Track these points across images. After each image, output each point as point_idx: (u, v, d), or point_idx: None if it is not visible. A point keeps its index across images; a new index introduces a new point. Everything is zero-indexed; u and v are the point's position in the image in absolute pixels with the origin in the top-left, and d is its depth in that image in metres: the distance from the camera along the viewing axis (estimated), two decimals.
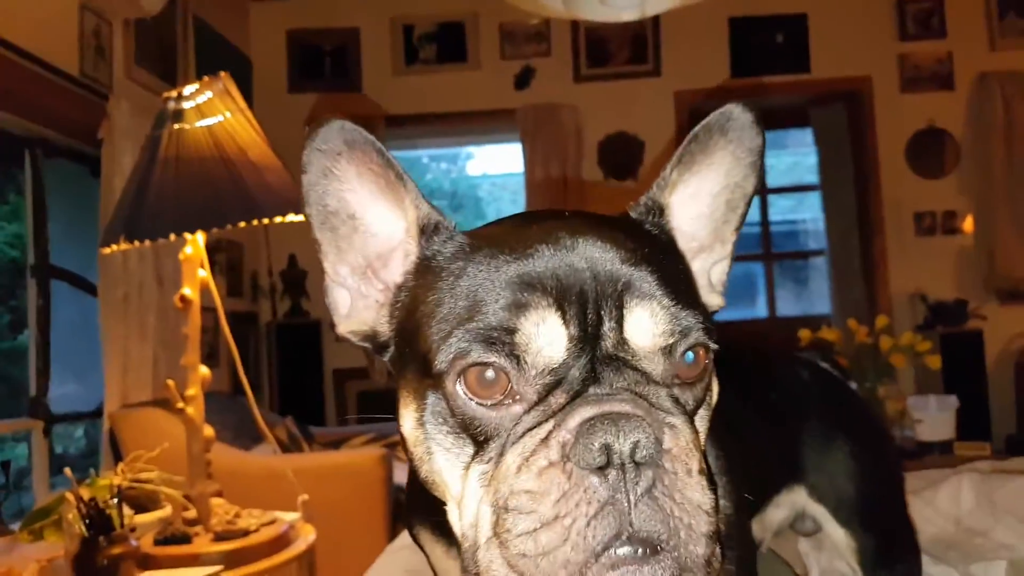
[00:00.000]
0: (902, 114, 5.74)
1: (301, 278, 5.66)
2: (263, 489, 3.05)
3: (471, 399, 0.62)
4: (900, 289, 5.69)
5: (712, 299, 0.79)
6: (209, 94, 2.43)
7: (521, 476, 0.58)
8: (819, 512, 1.09)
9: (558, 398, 0.61)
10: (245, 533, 2.34)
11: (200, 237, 2.42)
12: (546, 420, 0.59)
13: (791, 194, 7.45)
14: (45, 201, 3.81)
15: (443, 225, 0.73)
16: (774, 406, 1.08)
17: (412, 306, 0.70)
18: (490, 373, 0.62)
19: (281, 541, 2.36)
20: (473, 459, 0.62)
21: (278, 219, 2.31)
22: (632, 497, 0.55)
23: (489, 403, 0.62)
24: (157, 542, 2.36)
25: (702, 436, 0.66)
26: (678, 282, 0.66)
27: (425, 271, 0.71)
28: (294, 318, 5.63)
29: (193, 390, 2.40)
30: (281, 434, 3.82)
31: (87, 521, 2.19)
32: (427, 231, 0.73)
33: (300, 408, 4.75)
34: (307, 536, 2.47)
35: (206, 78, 2.47)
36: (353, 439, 4.11)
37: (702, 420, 0.67)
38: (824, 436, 1.09)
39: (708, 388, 0.67)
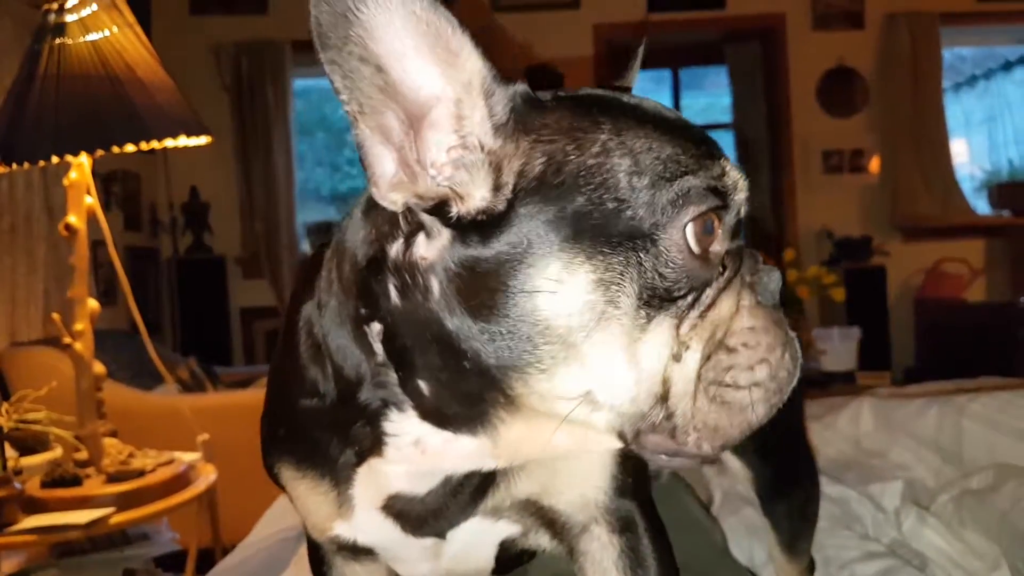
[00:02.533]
0: (813, 52, 5.82)
1: (203, 211, 5.43)
2: (162, 429, 2.94)
3: (693, 249, 0.62)
4: (807, 225, 5.84)
5: None
6: (94, 7, 2.24)
7: (741, 316, 0.63)
8: None
9: (735, 243, 0.66)
10: (140, 474, 2.24)
11: (86, 161, 2.26)
12: (738, 267, 0.65)
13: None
14: None
15: (519, 85, 0.66)
16: None
17: (555, 165, 0.63)
18: (710, 222, 0.63)
19: (179, 481, 2.28)
20: (659, 314, 0.62)
21: (169, 142, 2.17)
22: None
23: (707, 251, 0.63)
24: (44, 484, 2.24)
25: None
26: None
27: (545, 129, 0.64)
28: (197, 254, 5.41)
29: (81, 324, 2.26)
30: (184, 374, 3.69)
31: None
32: (496, 89, 0.64)
33: (205, 348, 4.60)
34: (208, 476, 2.39)
35: None
36: (260, 379, 4.01)
37: None
38: None
39: None
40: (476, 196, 0.63)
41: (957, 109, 6.82)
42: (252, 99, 5.38)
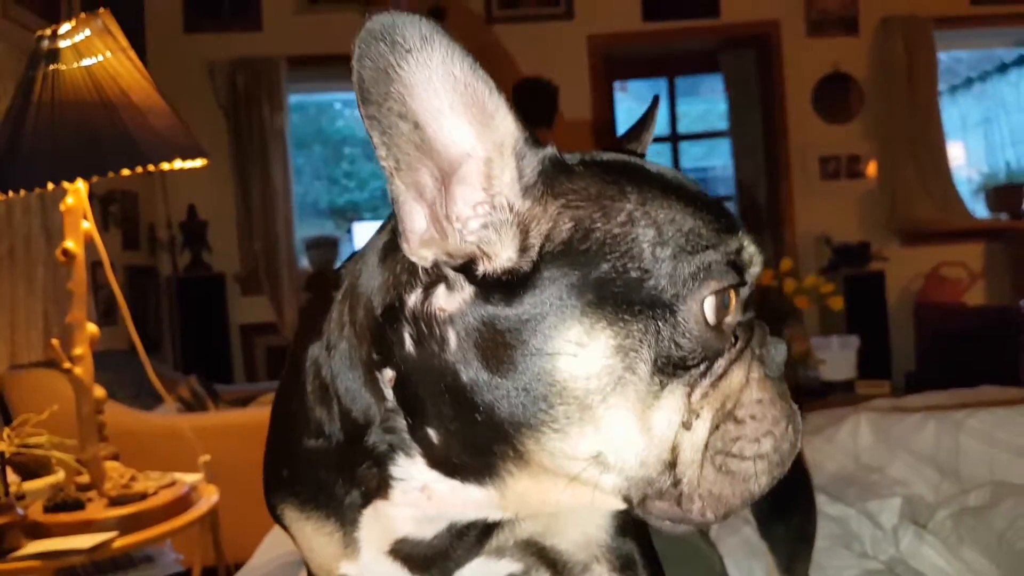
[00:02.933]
0: (808, 59, 5.83)
1: (201, 230, 5.43)
2: (164, 450, 2.94)
3: (709, 321, 0.64)
4: (806, 232, 5.84)
5: None
6: (87, 32, 2.25)
7: (751, 388, 0.65)
8: None
9: (748, 315, 0.68)
10: (142, 496, 2.24)
11: (82, 186, 2.27)
12: (750, 339, 0.67)
13: (702, 141, 7.53)
14: None
15: (551, 148, 0.68)
16: None
17: (582, 231, 0.64)
18: (727, 296, 0.65)
19: (181, 503, 2.28)
20: (672, 382, 0.63)
21: (165, 166, 2.18)
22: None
23: (722, 323, 0.65)
24: (47, 509, 2.24)
25: None
26: None
27: (573, 194, 0.66)
28: (196, 272, 5.41)
29: (80, 349, 2.26)
30: (185, 393, 3.69)
31: None
32: (528, 152, 0.66)
33: (206, 365, 4.60)
34: (210, 497, 2.39)
35: (83, 15, 2.29)
36: (262, 397, 4.01)
37: None
38: None
39: None
40: (503, 256, 0.65)
41: (953, 112, 6.83)
42: (248, 116, 5.39)
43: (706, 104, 7.71)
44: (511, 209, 0.65)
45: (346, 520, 0.76)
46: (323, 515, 0.77)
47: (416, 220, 0.66)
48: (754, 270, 0.68)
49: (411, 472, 0.71)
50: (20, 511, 2.14)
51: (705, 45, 6.14)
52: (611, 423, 0.62)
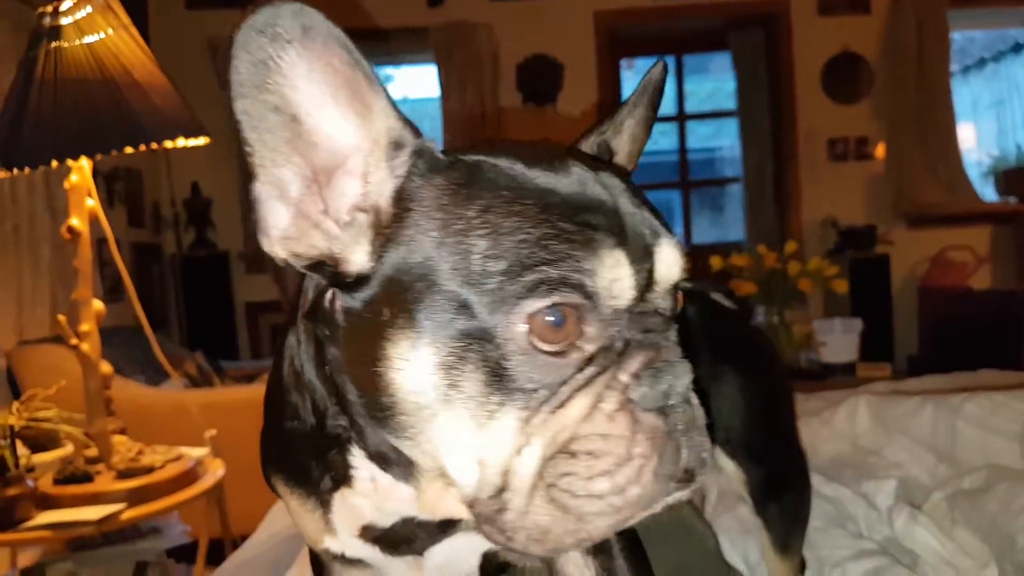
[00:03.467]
0: (818, 38, 5.78)
1: (206, 207, 5.44)
2: (170, 424, 2.97)
3: (537, 344, 0.59)
4: (812, 215, 5.82)
5: None
6: (88, 9, 2.25)
7: (593, 420, 0.58)
8: None
9: (618, 343, 0.61)
10: (149, 470, 2.28)
11: (86, 164, 2.28)
12: (609, 365, 0.60)
13: (710, 121, 7.49)
14: None
15: (426, 145, 0.65)
16: None
17: (419, 240, 0.62)
18: (560, 318, 0.59)
19: (187, 477, 2.31)
20: (504, 406, 0.59)
21: (167, 144, 2.18)
22: (687, 436, 0.60)
23: (555, 349, 0.59)
24: (57, 482, 2.28)
25: None
26: None
27: (424, 199, 0.63)
28: (200, 249, 5.43)
29: (87, 325, 2.29)
30: (191, 369, 3.72)
31: None
32: (401, 150, 0.65)
33: (211, 342, 4.63)
34: (216, 471, 2.42)
35: None
36: (267, 374, 4.03)
37: None
38: (708, 370, 1.08)
39: None
40: (354, 260, 0.64)
41: (965, 93, 6.76)
42: None
43: (714, 83, 7.65)
44: (376, 210, 0.64)
45: (322, 502, 0.78)
46: (304, 493, 0.79)
47: (278, 217, 0.64)
48: (617, 291, 0.60)
49: (361, 462, 0.72)
50: (30, 483, 2.17)
51: (714, 23, 6.09)
52: (445, 439, 0.61)
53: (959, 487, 1.44)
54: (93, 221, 2.31)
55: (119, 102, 2.16)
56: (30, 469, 2.29)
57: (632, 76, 6.72)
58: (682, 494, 0.61)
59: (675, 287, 0.66)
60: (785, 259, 3.38)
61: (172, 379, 3.27)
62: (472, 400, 0.59)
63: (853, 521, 1.45)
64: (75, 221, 2.27)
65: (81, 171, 2.28)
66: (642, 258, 0.62)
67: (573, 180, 0.63)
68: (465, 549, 0.80)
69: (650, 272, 0.62)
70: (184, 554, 2.62)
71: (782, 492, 1.15)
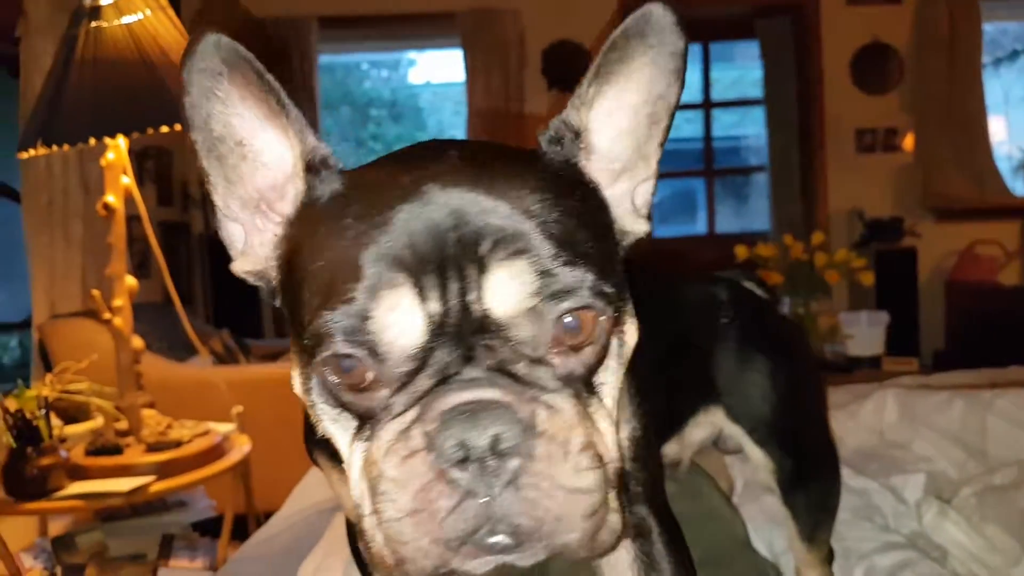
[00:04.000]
0: (847, 27, 5.71)
1: None
2: (197, 400, 3.02)
3: (338, 383, 0.59)
4: (838, 206, 5.78)
5: (637, 225, 0.71)
6: None
7: (387, 462, 0.56)
8: (736, 432, 1.10)
9: (423, 383, 0.57)
10: (177, 444, 2.32)
11: (122, 142, 2.31)
12: (412, 405, 0.57)
13: (735, 109, 7.43)
14: None
15: (328, 163, 0.67)
16: (689, 327, 1.06)
17: (293, 259, 0.65)
18: (349, 362, 0.58)
19: (214, 452, 2.35)
20: (356, 433, 0.61)
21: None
22: (494, 490, 0.53)
23: (356, 388, 0.59)
24: (88, 453, 2.33)
25: (607, 396, 0.61)
26: (565, 233, 0.58)
27: (306, 218, 0.66)
28: None
29: (120, 300, 2.33)
30: (217, 346, 3.77)
31: (14, 432, 2.15)
32: (313, 168, 0.66)
33: (237, 321, 4.67)
34: (242, 447, 2.46)
35: None
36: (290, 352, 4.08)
37: (608, 380, 0.61)
38: (741, 356, 1.08)
39: (605, 349, 0.60)
40: (272, 277, 0.70)
41: (996, 85, 6.66)
42: (279, 75, 5.37)
43: (739, 71, 7.59)
44: (282, 231, 0.68)
45: None
46: (341, 470, 0.81)
47: (234, 237, 0.70)
48: (400, 334, 0.57)
49: None
50: (63, 453, 2.22)
51: (741, 10, 6.03)
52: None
53: (989, 483, 1.44)
54: (127, 199, 2.35)
55: (156, 82, 2.19)
56: (62, 440, 2.34)
57: None
58: (515, 557, 0.55)
59: (538, 315, 0.57)
60: (812, 250, 3.36)
61: (199, 356, 3.31)
62: (334, 422, 0.62)
63: (880, 514, 1.46)
64: (110, 198, 2.30)
65: (117, 149, 2.31)
66: (449, 293, 0.56)
67: (412, 206, 0.58)
68: None
69: (464, 305, 0.56)
70: (209, 528, 2.66)
71: (810, 481, 1.15)
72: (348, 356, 0.58)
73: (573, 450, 0.54)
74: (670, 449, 1.08)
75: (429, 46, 6.69)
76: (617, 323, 0.61)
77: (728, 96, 7.23)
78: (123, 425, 2.41)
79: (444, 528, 0.54)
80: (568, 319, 0.57)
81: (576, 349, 0.58)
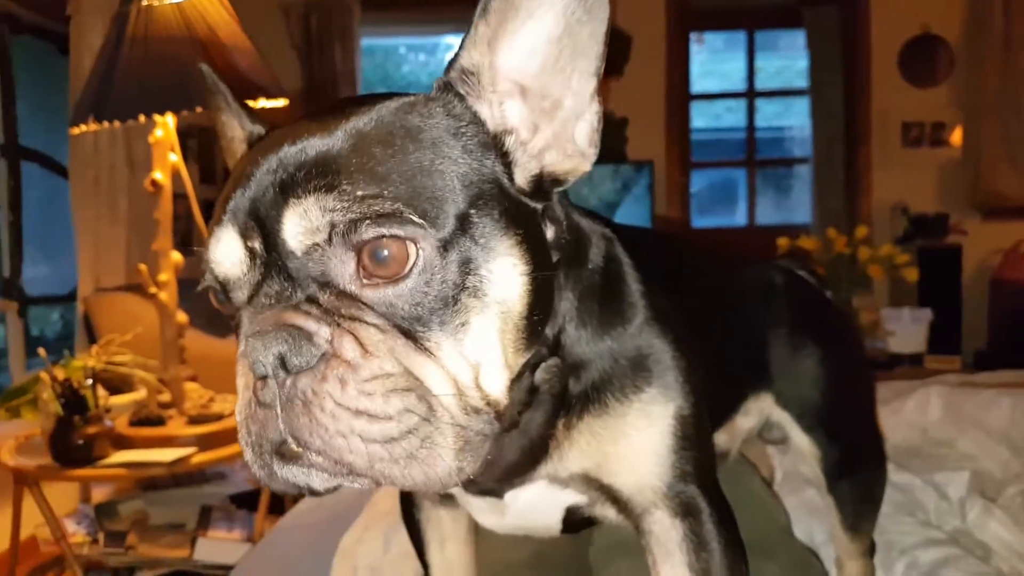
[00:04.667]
0: (897, 18, 5.59)
1: None
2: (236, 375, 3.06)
3: (222, 311, 0.68)
4: (882, 200, 5.68)
5: (575, 163, 0.68)
6: None
7: (237, 375, 0.62)
8: (784, 419, 1.09)
9: (248, 310, 0.63)
10: (219, 417, 2.36)
11: (171, 120, 2.34)
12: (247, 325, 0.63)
13: (778, 99, 7.33)
14: (13, 79, 3.66)
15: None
16: (744, 311, 1.06)
17: None
18: (216, 293, 0.67)
19: None
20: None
21: (249, 104, 2.23)
22: (277, 404, 0.57)
23: (230, 316, 0.67)
24: (132, 423, 2.38)
25: (466, 336, 0.61)
26: (377, 170, 0.59)
27: None
28: None
29: (165, 275, 2.37)
30: None
31: (62, 401, 2.20)
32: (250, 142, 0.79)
33: None
34: None
35: None
36: None
37: (468, 320, 0.60)
38: (793, 342, 1.07)
39: (447, 285, 0.60)
40: None
41: None
42: (320, 58, 5.42)
43: (783, 60, 7.47)
44: None
45: None
46: None
47: None
48: (220, 264, 0.64)
49: None
50: (108, 423, 2.27)
51: (786, 0, 5.94)
52: None
53: None
54: (173, 176, 2.38)
55: (203, 60, 2.22)
56: (107, 410, 2.40)
57: (701, 51, 6.61)
58: (301, 469, 0.59)
59: (323, 249, 0.59)
60: (855, 244, 3.31)
61: None
62: None
63: (923, 510, 1.44)
64: (158, 175, 2.34)
65: (166, 127, 2.34)
66: (252, 230, 0.61)
67: (261, 157, 0.63)
68: (547, 501, 0.81)
69: (268, 241, 0.61)
70: (245, 501, 2.71)
71: (856, 471, 1.14)
72: (210, 287, 0.66)
73: (365, 375, 0.56)
74: (720, 439, 1.08)
75: (466, 30, 6.68)
76: (464, 261, 0.60)
77: (770, 86, 7.13)
78: (166, 397, 2.46)
79: (252, 434, 0.59)
80: (377, 250, 0.58)
81: (392, 281, 0.59)
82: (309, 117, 0.66)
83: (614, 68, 5.47)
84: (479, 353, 0.61)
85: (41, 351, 2.31)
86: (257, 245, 0.61)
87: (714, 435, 1.04)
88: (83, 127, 2.27)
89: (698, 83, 6.19)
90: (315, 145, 0.61)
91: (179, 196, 2.53)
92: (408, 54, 8.24)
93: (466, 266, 0.60)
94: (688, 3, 5.67)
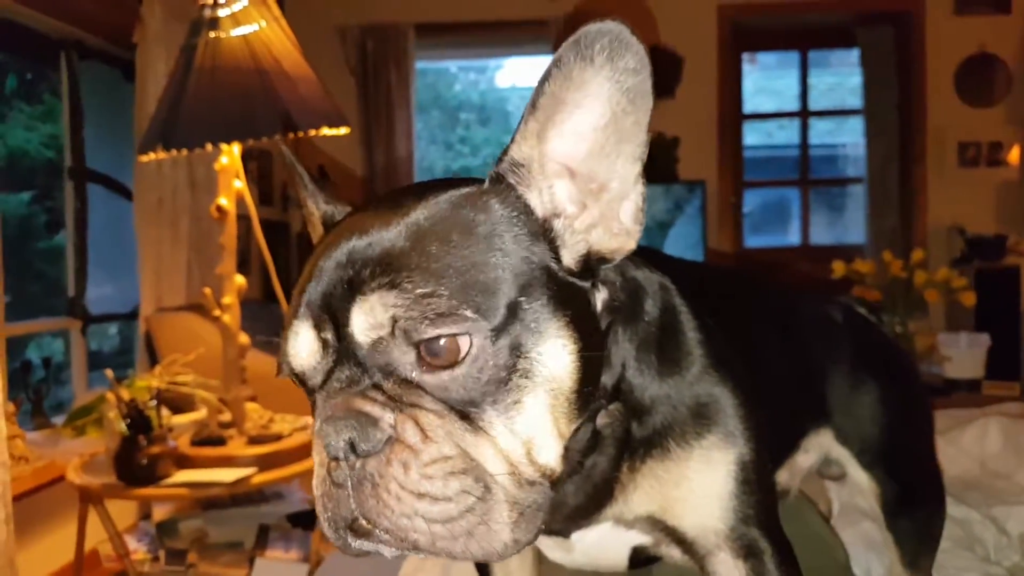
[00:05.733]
0: (953, 37, 5.52)
1: (330, 191, 5.64)
2: (296, 395, 3.13)
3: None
4: (937, 221, 5.58)
5: (620, 242, 0.71)
6: (244, 2, 2.38)
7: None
8: (843, 455, 1.10)
9: (321, 396, 0.66)
10: (278, 437, 2.41)
11: (236, 148, 2.42)
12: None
13: (831, 117, 7.25)
14: (81, 103, 3.81)
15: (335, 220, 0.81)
16: (805, 348, 1.07)
17: None
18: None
19: (312, 446, 2.44)
20: None
21: (312, 133, 2.30)
22: (348, 485, 0.62)
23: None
24: (194, 443, 2.44)
25: (518, 414, 0.64)
26: (434, 267, 0.63)
27: None
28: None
29: (229, 298, 2.44)
30: None
31: (127, 421, 2.27)
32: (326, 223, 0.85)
33: None
34: None
35: None
36: None
37: (520, 399, 0.64)
38: (854, 379, 1.08)
39: (499, 369, 0.63)
40: None
41: None
42: (376, 81, 5.54)
43: (835, 77, 7.40)
44: None
45: None
46: None
47: None
48: (295, 356, 0.68)
49: None
50: (172, 443, 2.34)
51: (842, 18, 5.89)
52: None
53: None
54: (236, 201, 2.46)
55: (270, 91, 2.29)
56: (169, 429, 2.47)
57: (753, 70, 6.58)
58: (370, 543, 0.63)
59: (386, 343, 0.63)
60: (911, 267, 3.26)
61: None
62: None
63: (981, 544, 1.42)
64: (223, 200, 2.42)
65: (231, 154, 2.42)
66: (325, 322, 0.66)
67: (331, 250, 0.68)
68: (613, 540, 0.84)
69: (339, 332, 0.65)
70: (302, 520, 2.76)
71: (915, 508, 1.14)
72: (288, 375, 0.71)
73: (425, 459, 0.61)
74: (781, 477, 1.09)
75: (519, 52, 6.74)
76: (515, 346, 0.63)
77: (823, 102, 7.07)
78: (226, 417, 2.52)
79: (328, 511, 0.64)
80: (432, 343, 0.62)
81: (447, 368, 0.63)
82: (375, 206, 0.71)
83: (666, 90, 5.49)
84: (531, 429, 0.64)
85: (108, 372, 2.39)
86: (329, 336, 0.66)
87: (776, 474, 1.05)
88: (151, 155, 2.34)
89: (750, 101, 6.16)
90: (379, 241, 0.65)
91: (240, 218, 2.61)
92: (459, 74, 8.36)
93: (516, 350, 0.63)
94: (741, 23, 5.67)
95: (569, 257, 0.69)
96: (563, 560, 0.89)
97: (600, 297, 0.73)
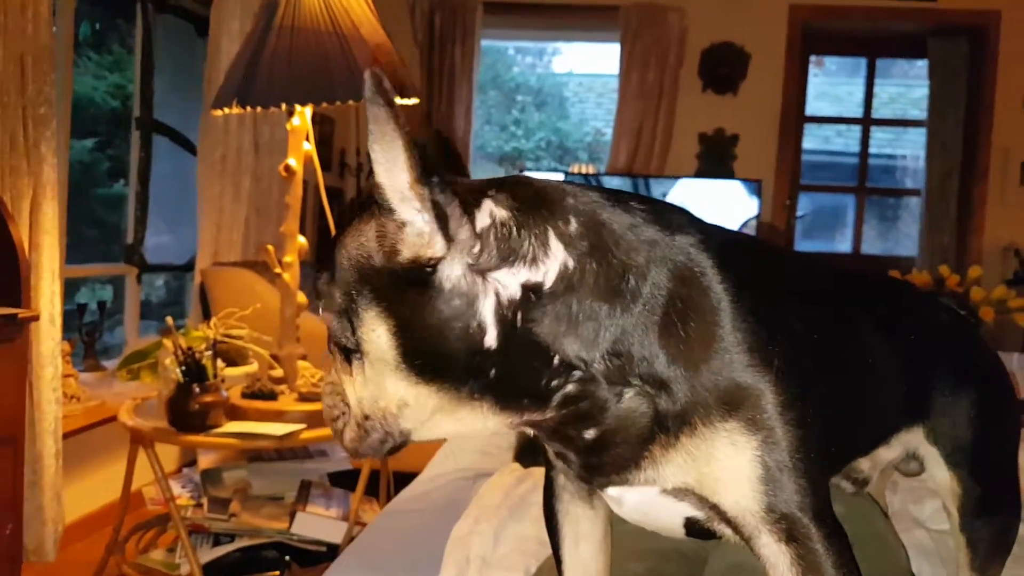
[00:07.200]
0: None
1: None
2: None
3: None
4: (994, 239, 5.48)
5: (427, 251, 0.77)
6: None
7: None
8: (931, 454, 1.09)
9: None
10: None
11: (308, 110, 2.45)
12: None
13: (891, 127, 7.13)
14: (152, 56, 3.88)
15: None
16: (909, 345, 1.07)
17: None
18: None
19: None
20: None
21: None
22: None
23: None
24: (245, 395, 2.49)
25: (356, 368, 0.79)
26: (337, 264, 0.78)
27: None
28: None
29: (290, 257, 2.48)
30: None
31: (183, 368, 2.33)
32: None
33: None
34: None
35: None
36: None
37: (353, 357, 0.78)
38: (954, 382, 1.07)
39: (349, 338, 0.77)
40: None
41: None
42: (441, 56, 5.55)
43: (898, 87, 7.28)
44: None
45: None
46: None
47: None
48: None
49: None
50: (224, 393, 2.39)
51: (914, 28, 5.78)
52: None
53: None
54: (304, 163, 2.50)
55: (347, 55, 2.31)
56: (222, 380, 2.52)
57: (820, 74, 6.49)
58: None
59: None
60: (967, 284, 3.22)
61: None
62: None
63: None
64: (292, 161, 2.45)
65: (303, 116, 2.45)
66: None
67: None
68: (662, 509, 0.83)
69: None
70: (344, 480, 2.80)
71: (993, 512, 1.13)
72: None
73: (326, 380, 0.83)
74: (863, 465, 1.09)
75: (584, 38, 6.71)
76: (352, 325, 0.76)
77: (885, 112, 6.96)
78: (277, 373, 2.57)
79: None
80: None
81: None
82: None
83: (729, 86, 5.44)
84: (368, 383, 0.78)
85: (169, 320, 2.44)
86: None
87: (856, 462, 1.05)
88: (226, 110, 2.38)
89: (811, 104, 6.09)
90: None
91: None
92: (516, 55, 8.36)
93: (351, 327, 0.78)
94: (811, 25, 5.59)
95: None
96: (621, 514, 0.90)
97: (553, 263, 0.70)
